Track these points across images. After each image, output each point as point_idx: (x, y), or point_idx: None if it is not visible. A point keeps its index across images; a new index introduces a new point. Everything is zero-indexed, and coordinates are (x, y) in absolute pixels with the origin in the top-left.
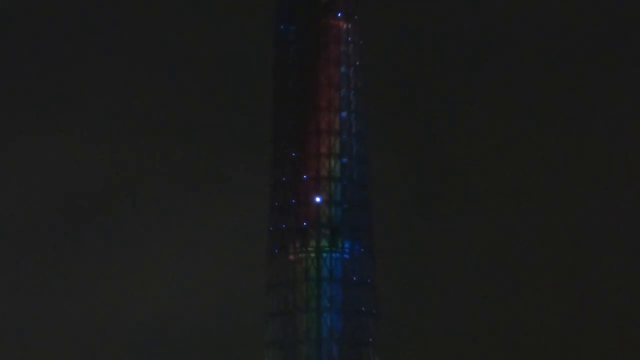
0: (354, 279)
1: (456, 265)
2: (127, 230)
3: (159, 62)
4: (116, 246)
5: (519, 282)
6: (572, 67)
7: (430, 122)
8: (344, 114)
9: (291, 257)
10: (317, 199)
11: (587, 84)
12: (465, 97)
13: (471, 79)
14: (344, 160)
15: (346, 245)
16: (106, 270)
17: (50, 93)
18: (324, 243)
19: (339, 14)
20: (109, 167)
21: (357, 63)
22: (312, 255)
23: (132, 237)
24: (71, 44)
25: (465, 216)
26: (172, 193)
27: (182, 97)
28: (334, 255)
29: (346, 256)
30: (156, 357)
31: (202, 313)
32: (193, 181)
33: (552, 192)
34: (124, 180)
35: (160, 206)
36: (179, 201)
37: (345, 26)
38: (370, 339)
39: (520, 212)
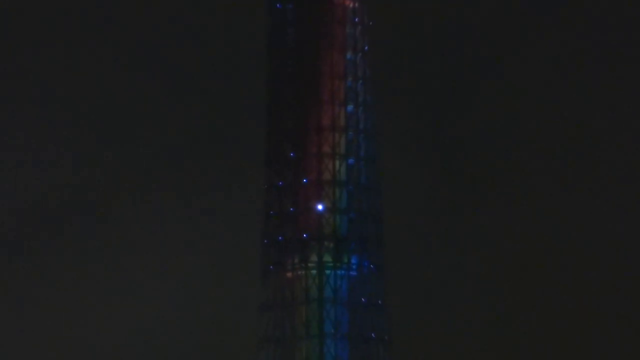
0: (362, 300)
1: (479, 285)
2: (110, 243)
3: (146, 54)
4: (96, 263)
5: (545, 301)
6: (591, 66)
7: (450, 117)
8: (350, 107)
9: (289, 274)
10: (319, 207)
11: (605, 83)
12: (489, 87)
13: (496, 65)
14: (350, 161)
15: (353, 260)
16: (87, 289)
17: (40, 91)
18: (327, 258)
19: None
20: (90, 172)
21: (366, 48)
22: (313, 272)
23: (113, 249)
24: (52, 39)
25: (492, 228)
26: (152, 199)
27: (167, 89)
28: (338, 272)
29: (353, 273)
30: None
31: (186, 340)
32: (177, 186)
33: (575, 198)
34: (106, 188)
35: (142, 211)
36: (161, 209)
37: (351, 5)
38: None
39: (551, 224)
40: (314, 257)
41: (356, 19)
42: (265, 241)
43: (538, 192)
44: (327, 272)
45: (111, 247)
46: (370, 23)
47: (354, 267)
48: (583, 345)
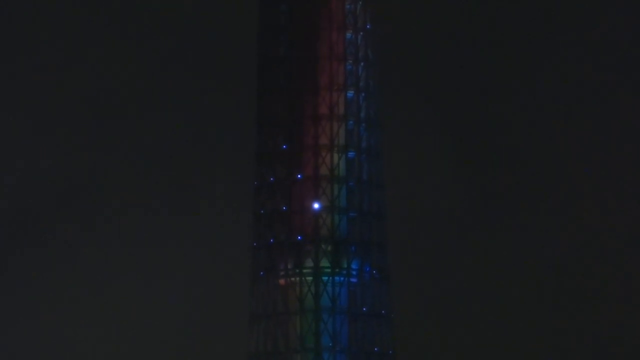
0: (364, 309)
1: (493, 293)
2: (91, 245)
3: (130, 45)
4: (79, 267)
5: (568, 315)
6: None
7: (463, 104)
8: (350, 93)
9: (281, 281)
10: (316, 205)
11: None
12: (504, 71)
13: (513, 47)
14: (351, 154)
15: (353, 265)
16: (66, 298)
17: (30, 91)
18: (325, 263)
19: None
20: (77, 172)
21: (367, 27)
22: (309, 278)
23: (98, 253)
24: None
25: (510, 230)
26: (135, 195)
27: (151, 80)
28: (337, 278)
29: (353, 280)
30: None
31: (170, 355)
32: (161, 184)
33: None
34: (92, 189)
35: (126, 206)
36: (144, 208)
37: None
38: None
39: (568, 232)
40: (309, 262)
41: None
42: (255, 244)
43: (564, 193)
44: (324, 278)
45: (96, 251)
46: None
47: (354, 272)
48: None
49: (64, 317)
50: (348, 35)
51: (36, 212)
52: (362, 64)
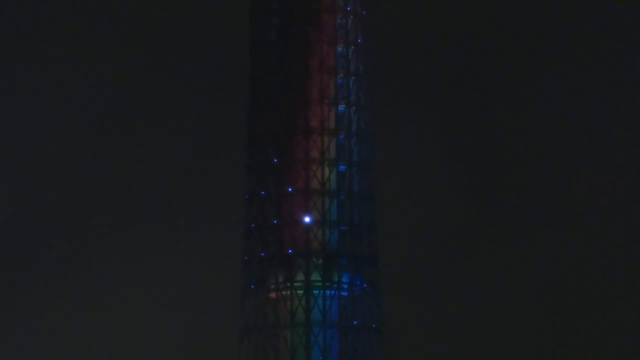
0: (355, 323)
1: (487, 307)
2: (82, 258)
3: (128, 49)
4: (68, 279)
5: (570, 333)
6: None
7: (455, 117)
8: (341, 107)
9: (272, 294)
10: (306, 219)
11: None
12: (501, 86)
13: (506, 60)
14: (342, 167)
15: (344, 279)
16: (58, 310)
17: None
18: (315, 276)
19: None
20: (69, 180)
21: (359, 40)
22: (300, 292)
23: (78, 269)
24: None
25: (503, 244)
26: (123, 208)
27: (141, 90)
28: (327, 292)
29: (344, 293)
30: None
31: None
32: (150, 196)
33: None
34: (78, 199)
35: (115, 219)
36: (132, 223)
37: None
38: None
39: (569, 244)
40: (300, 276)
41: (348, 8)
42: (246, 257)
43: (564, 203)
44: (315, 292)
45: (87, 264)
46: (364, 12)
47: (345, 286)
48: None
49: (55, 328)
50: (339, 49)
51: (32, 221)
52: (353, 77)
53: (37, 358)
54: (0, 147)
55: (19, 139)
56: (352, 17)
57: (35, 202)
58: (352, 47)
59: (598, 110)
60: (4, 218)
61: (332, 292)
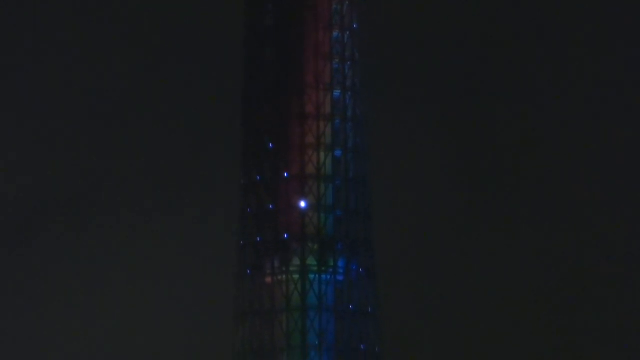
0: (350, 307)
1: (481, 292)
2: (69, 248)
3: (119, 38)
4: (65, 266)
5: (565, 318)
6: None
7: (451, 103)
8: (336, 92)
9: (268, 279)
10: (302, 204)
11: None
12: (500, 73)
13: (505, 47)
14: (337, 152)
15: (340, 263)
16: (55, 297)
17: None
18: (311, 261)
19: None
20: (62, 172)
21: (354, 26)
22: (296, 276)
23: (70, 255)
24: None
25: (497, 231)
26: (119, 196)
27: (135, 78)
28: (323, 276)
29: (340, 278)
30: None
31: (153, 356)
32: (146, 182)
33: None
34: (73, 188)
35: (111, 207)
36: (123, 209)
37: None
38: None
39: (565, 232)
40: (296, 260)
41: None
42: (242, 242)
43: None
44: (311, 276)
45: (84, 252)
46: None
47: (340, 271)
48: None
49: (52, 315)
50: (335, 34)
51: (28, 213)
52: (348, 63)
53: (35, 347)
54: (3, 140)
55: (20, 133)
56: (347, 2)
57: (34, 193)
58: (348, 33)
59: (598, 103)
60: (3, 209)
61: (328, 276)
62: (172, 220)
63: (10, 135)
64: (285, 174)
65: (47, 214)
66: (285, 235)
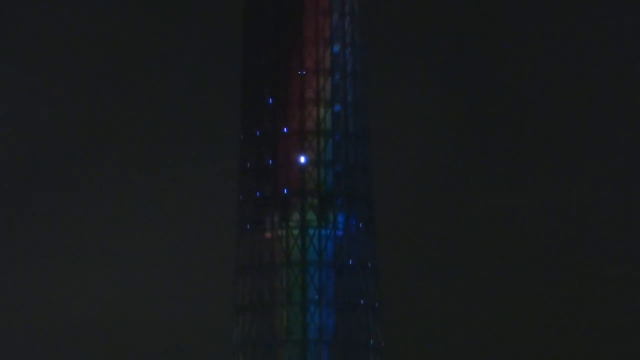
0: (350, 262)
1: (483, 243)
2: (65, 204)
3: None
4: (55, 220)
5: (563, 270)
6: None
7: (452, 57)
8: (336, 47)
9: (268, 234)
10: (302, 159)
11: None
12: (501, 26)
13: (510, 4)
14: (337, 108)
15: (339, 218)
16: (40, 256)
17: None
18: (311, 216)
19: None
20: (57, 131)
21: None
22: (295, 232)
23: (67, 213)
24: None
25: (498, 181)
26: (120, 151)
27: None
28: (323, 231)
29: (339, 233)
30: None
31: (154, 309)
32: (143, 136)
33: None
34: (73, 145)
35: (109, 163)
36: (124, 164)
37: None
38: (371, 341)
39: (567, 183)
40: (295, 216)
41: None
42: (242, 198)
43: (564, 140)
44: (311, 231)
45: (88, 205)
46: None
47: (340, 226)
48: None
49: (51, 269)
50: None
51: (28, 167)
52: (348, 17)
53: (33, 306)
54: (7, 93)
55: (20, 86)
56: None
57: (35, 148)
58: None
59: (597, 52)
60: (4, 161)
61: (328, 231)
62: (171, 175)
63: (10, 90)
64: (285, 129)
65: (47, 167)
66: (285, 191)
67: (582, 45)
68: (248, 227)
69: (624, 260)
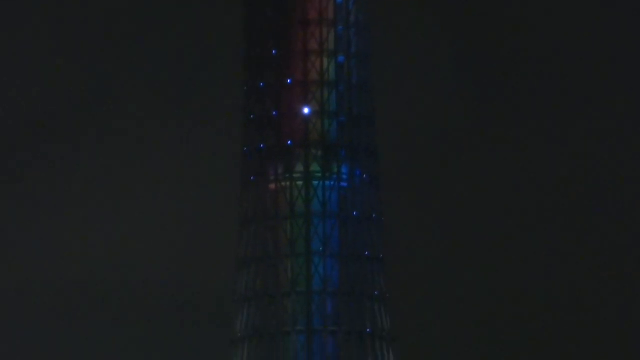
0: (354, 214)
1: (489, 193)
2: (79, 148)
3: None
4: (61, 168)
5: (570, 230)
6: None
7: (457, 7)
8: None
9: (272, 185)
10: (306, 110)
11: None
12: None
13: None
14: (341, 58)
15: (343, 170)
16: (40, 213)
17: None
18: (315, 167)
19: None
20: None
21: None
22: (299, 183)
23: (68, 168)
24: None
25: (507, 136)
26: (123, 105)
27: None
28: (327, 183)
29: (343, 184)
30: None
31: (156, 264)
32: (147, 88)
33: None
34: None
35: (115, 117)
36: (127, 117)
37: None
38: (376, 292)
39: (576, 147)
40: (299, 167)
41: None
42: (245, 149)
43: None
44: (315, 183)
45: (92, 156)
46: None
47: (344, 177)
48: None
49: (57, 215)
50: None
51: (34, 118)
52: None
53: (35, 257)
54: (8, 47)
55: (26, 41)
56: None
57: (40, 99)
58: None
59: (606, 9)
60: (5, 116)
61: (332, 183)
62: (175, 127)
63: (16, 44)
64: (289, 80)
65: (53, 119)
66: (289, 142)
67: None
68: (252, 178)
69: (626, 206)
